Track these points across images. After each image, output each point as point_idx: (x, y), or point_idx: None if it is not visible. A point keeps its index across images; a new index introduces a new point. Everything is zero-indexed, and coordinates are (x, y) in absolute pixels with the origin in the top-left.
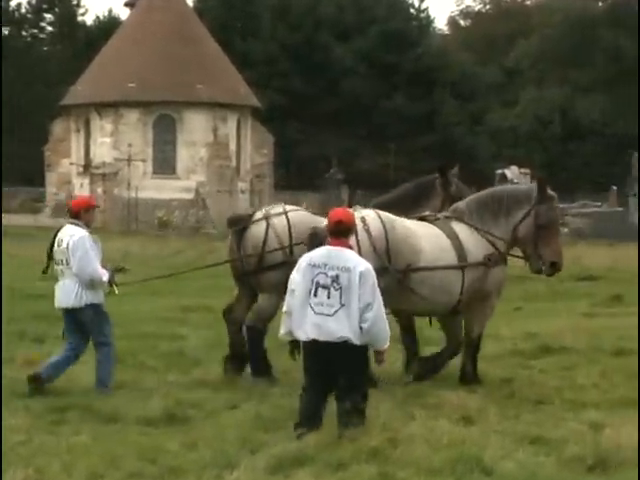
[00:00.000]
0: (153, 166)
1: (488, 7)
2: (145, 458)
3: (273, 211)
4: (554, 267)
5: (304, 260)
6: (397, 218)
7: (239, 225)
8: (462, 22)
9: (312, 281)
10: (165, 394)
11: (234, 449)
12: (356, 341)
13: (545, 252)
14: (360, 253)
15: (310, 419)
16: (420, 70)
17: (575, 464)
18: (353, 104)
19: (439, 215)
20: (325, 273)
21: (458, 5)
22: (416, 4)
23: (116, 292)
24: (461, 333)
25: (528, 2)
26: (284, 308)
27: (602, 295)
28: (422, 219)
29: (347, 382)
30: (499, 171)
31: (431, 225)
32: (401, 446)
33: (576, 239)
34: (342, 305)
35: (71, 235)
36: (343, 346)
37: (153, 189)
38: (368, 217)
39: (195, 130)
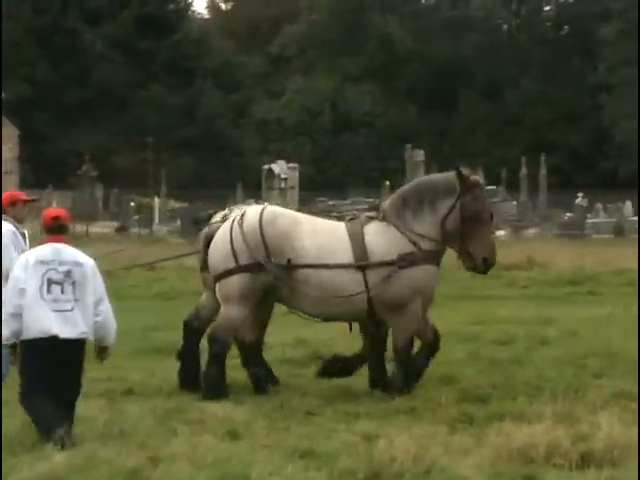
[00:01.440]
0: None
1: None
2: None
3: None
4: (486, 263)
5: (30, 258)
6: (288, 214)
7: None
8: (223, 5)
9: (42, 278)
10: None
11: None
12: (92, 336)
13: (475, 248)
14: (233, 249)
15: (57, 427)
16: (179, 58)
17: (347, 478)
18: (106, 94)
19: (362, 214)
20: (55, 269)
21: None
22: None
23: None
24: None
25: None
26: (7, 309)
27: None
28: (338, 218)
29: (73, 380)
30: (266, 166)
31: (336, 223)
32: (162, 466)
33: None
34: (76, 300)
35: None
36: (80, 342)
37: None
38: (248, 212)
39: None
